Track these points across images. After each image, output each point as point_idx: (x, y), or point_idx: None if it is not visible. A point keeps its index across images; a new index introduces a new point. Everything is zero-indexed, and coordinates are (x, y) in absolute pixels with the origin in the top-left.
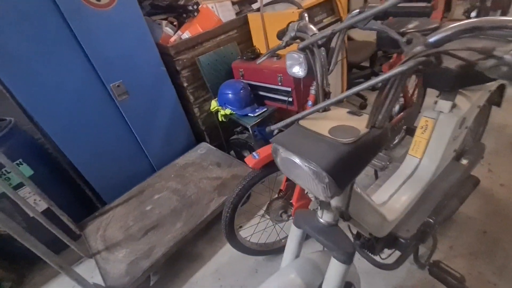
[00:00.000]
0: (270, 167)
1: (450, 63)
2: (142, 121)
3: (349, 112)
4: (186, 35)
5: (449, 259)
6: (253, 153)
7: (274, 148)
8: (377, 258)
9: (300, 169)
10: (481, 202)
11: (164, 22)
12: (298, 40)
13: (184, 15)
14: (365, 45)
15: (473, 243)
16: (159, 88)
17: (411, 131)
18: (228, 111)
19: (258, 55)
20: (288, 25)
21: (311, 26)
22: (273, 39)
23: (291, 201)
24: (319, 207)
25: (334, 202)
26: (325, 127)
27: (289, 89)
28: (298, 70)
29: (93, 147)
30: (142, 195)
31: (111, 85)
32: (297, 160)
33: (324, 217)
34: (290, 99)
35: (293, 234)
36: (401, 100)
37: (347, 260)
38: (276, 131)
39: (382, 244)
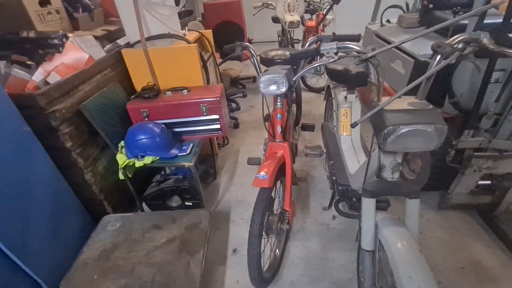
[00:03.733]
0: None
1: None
2: (8, 224)
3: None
4: (53, 78)
5: None
6: (258, 175)
7: (390, 131)
8: None
9: (422, 135)
10: None
11: (2, 63)
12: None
13: (40, 51)
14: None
15: None
16: (25, 162)
17: (307, 127)
18: (148, 160)
19: (158, 92)
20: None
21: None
22: (164, 76)
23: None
24: (391, 171)
25: (400, 159)
26: (402, 106)
27: (217, 116)
28: (277, 88)
29: None
30: None
31: None
32: (420, 127)
33: (395, 176)
34: (218, 126)
35: (369, 205)
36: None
37: (418, 194)
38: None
39: None
